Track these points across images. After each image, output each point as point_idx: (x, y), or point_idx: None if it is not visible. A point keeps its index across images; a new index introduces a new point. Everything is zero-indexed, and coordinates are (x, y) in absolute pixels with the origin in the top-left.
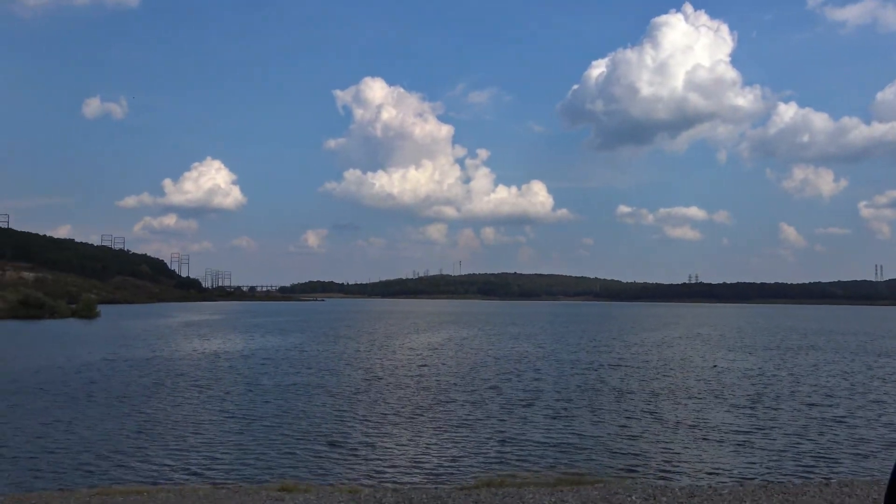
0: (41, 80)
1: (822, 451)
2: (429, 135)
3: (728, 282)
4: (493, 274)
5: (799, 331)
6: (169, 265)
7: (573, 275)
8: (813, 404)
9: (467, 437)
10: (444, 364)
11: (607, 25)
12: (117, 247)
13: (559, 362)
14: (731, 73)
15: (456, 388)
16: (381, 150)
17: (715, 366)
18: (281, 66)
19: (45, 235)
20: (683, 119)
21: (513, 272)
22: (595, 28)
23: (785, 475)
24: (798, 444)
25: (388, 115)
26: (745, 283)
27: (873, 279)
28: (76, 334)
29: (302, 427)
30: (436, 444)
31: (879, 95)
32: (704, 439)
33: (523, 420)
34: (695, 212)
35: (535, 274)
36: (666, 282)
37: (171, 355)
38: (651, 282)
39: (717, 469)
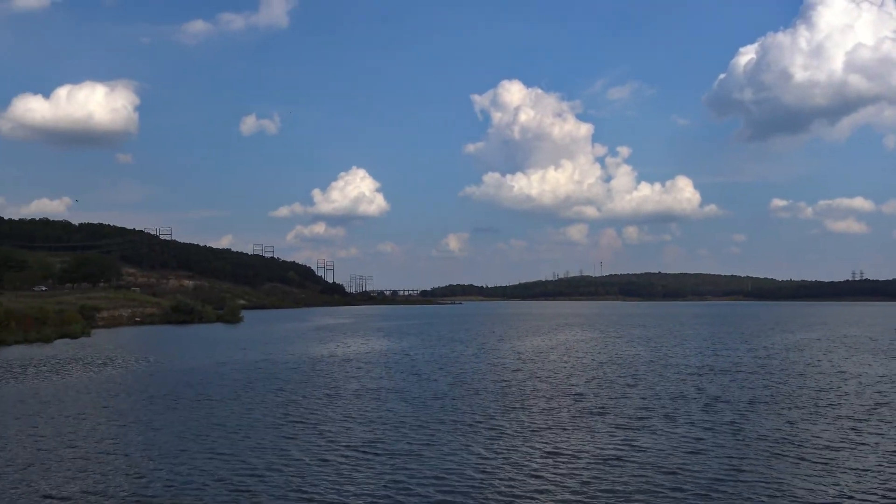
0: (202, 101)
1: None
2: (567, 134)
3: None
4: (635, 274)
5: None
6: (316, 272)
7: (722, 273)
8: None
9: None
10: (538, 369)
11: (755, 9)
12: (269, 255)
13: (664, 367)
14: None
15: (534, 394)
16: (520, 153)
17: (842, 371)
18: (420, 75)
19: (204, 246)
20: (844, 104)
21: (656, 272)
22: (742, 12)
23: None
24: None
25: (525, 116)
26: None
27: None
28: (214, 338)
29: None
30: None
31: None
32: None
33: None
34: (860, 203)
35: (681, 273)
36: (826, 279)
37: (277, 358)
38: (809, 279)
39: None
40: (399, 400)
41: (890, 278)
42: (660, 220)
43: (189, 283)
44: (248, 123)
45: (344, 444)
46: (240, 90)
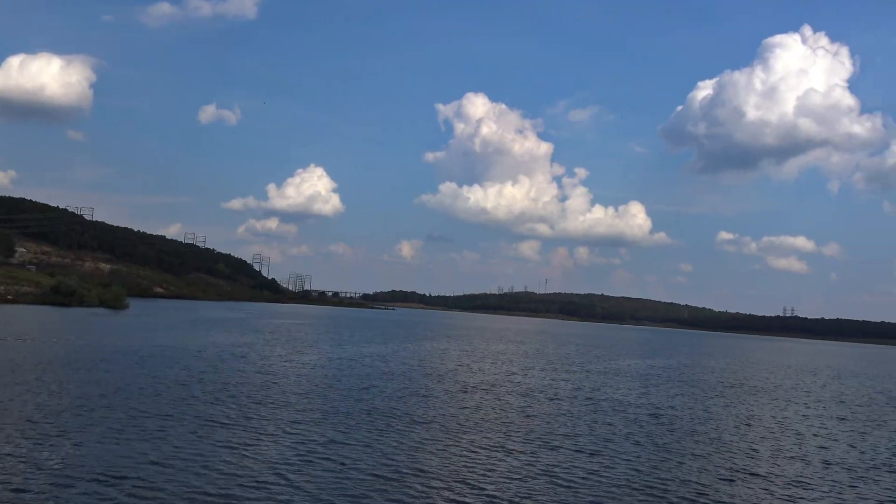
0: (162, 85)
1: None
2: (527, 151)
3: (827, 318)
4: (577, 294)
5: (850, 372)
6: (253, 266)
7: (665, 300)
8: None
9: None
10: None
11: (717, 46)
12: (202, 245)
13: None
14: (848, 100)
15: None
16: (479, 165)
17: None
18: (387, 79)
19: (132, 230)
20: (793, 145)
21: (600, 294)
22: (704, 48)
23: None
24: None
25: (487, 130)
26: (844, 319)
27: None
28: (82, 322)
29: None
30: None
31: None
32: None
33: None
34: (802, 242)
35: (623, 297)
36: (760, 313)
37: (125, 348)
38: (744, 312)
39: None
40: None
41: (819, 317)
42: (610, 244)
43: (106, 266)
44: (208, 112)
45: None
46: (201, 78)
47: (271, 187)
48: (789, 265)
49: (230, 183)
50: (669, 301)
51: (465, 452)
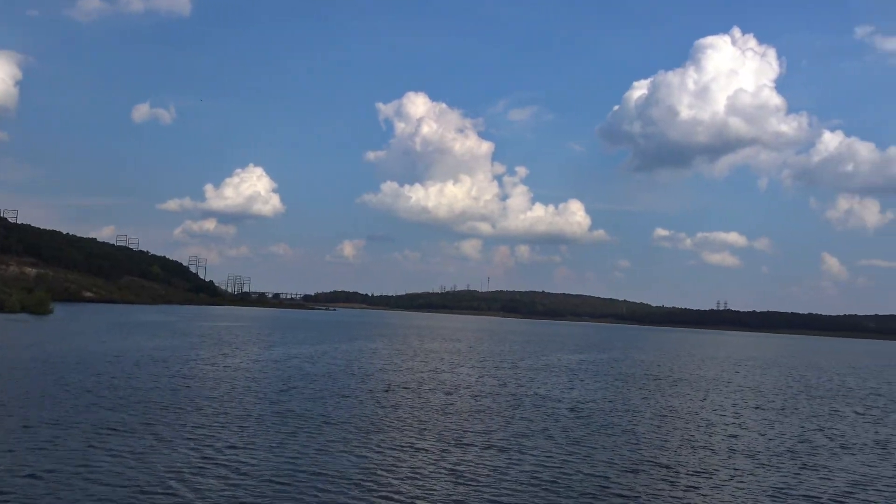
0: (92, 83)
1: None
2: (468, 150)
3: (759, 310)
4: (519, 292)
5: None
6: (190, 268)
7: (605, 296)
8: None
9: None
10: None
11: (652, 47)
12: (135, 247)
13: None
14: (775, 100)
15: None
16: (420, 164)
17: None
18: (326, 78)
19: (60, 232)
20: (724, 144)
21: (541, 291)
22: (640, 49)
23: None
24: None
25: (428, 129)
26: (774, 312)
27: None
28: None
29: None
30: None
31: None
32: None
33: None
34: (735, 238)
35: (563, 294)
36: (695, 307)
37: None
38: (680, 307)
39: None
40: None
41: (751, 310)
42: (551, 241)
43: (32, 270)
44: (141, 111)
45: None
46: (134, 76)
47: (209, 188)
48: (722, 260)
49: (166, 183)
50: (608, 297)
51: (370, 453)
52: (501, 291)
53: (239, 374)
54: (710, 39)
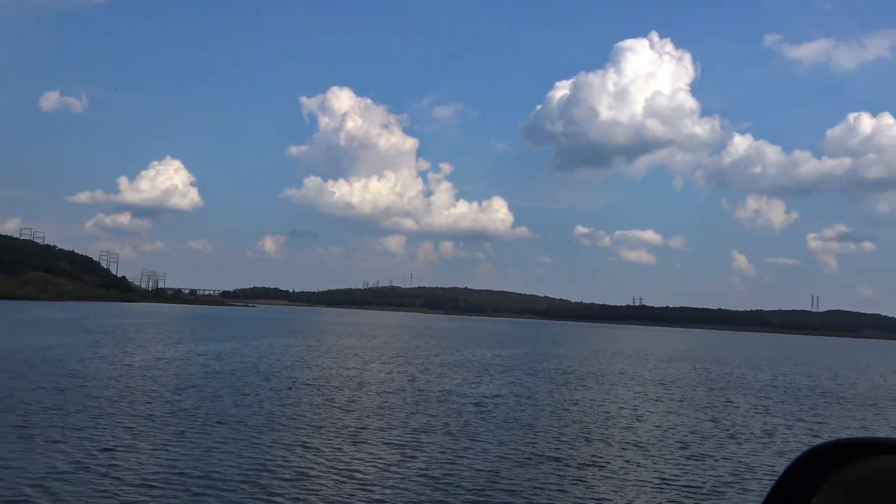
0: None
1: None
2: (393, 146)
3: (671, 306)
4: (442, 288)
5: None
6: (101, 264)
7: (526, 293)
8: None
9: None
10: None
11: (575, 47)
12: (40, 241)
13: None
14: (690, 103)
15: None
16: (344, 159)
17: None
18: (248, 70)
19: None
20: (641, 144)
21: (464, 287)
22: (563, 49)
23: None
24: None
25: (353, 124)
26: (687, 307)
27: (810, 309)
28: None
29: None
30: None
31: (829, 132)
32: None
33: None
34: (651, 236)
35: (485, 290)
36: (612, 303)
37: None
38: (598, 303)
39: None
40: None
41: (664, 306)
42: (474, 238)
43: None
44: (50, 100)
45: None
46: (43, 63)
47: (123, 180)
48: (639, 257)
49: (77, 175)
50: (529, 293)
51: (256, 453)
52: (424, 287)
53: (136, 372)
54: (629, 42)
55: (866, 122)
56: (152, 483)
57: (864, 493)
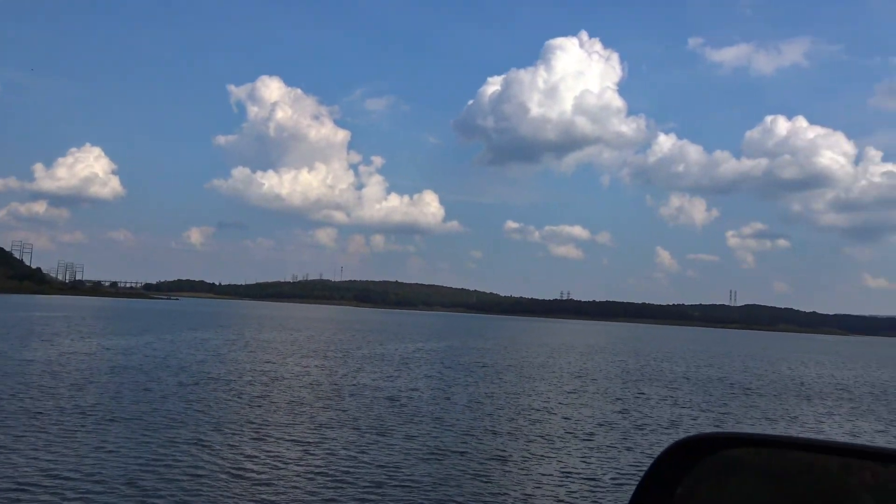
0: None
1: None
2: (324, 138)
3: (598, 300)
4: (372, 281)
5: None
6: (14, 254)
7: (457, 287)
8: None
9: None
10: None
11: (507, 43)
12: None
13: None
14: (617, 102)
15: None
16: (274, 150)
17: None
18: (175, 56)
19: None
20: (570, 141)
21: (395, 281)
22: (495, 45)
23: None
24: None
25: (283, 114)
26: (612, 301)
27: (728, 304)
28: None
29: None
30: None
31: (748, 133)
32: None
33: None
34: (579, 231)
35: (417, 284)
36: (541, 297)
37: None
38: (527, 297)
39: None
40: None
41: (591, 300)
42: (406, 232)
43: None
44: None
45: None
46: None
47: (38, 167)
48: (567, 252)
49: None
50: (460, 287)
51: (146, 452)
52: (355, 281)
53: (35, 368)
54: (559, 41)
55: (782, 125)
56: (24, 487)
57: (720, 483)
